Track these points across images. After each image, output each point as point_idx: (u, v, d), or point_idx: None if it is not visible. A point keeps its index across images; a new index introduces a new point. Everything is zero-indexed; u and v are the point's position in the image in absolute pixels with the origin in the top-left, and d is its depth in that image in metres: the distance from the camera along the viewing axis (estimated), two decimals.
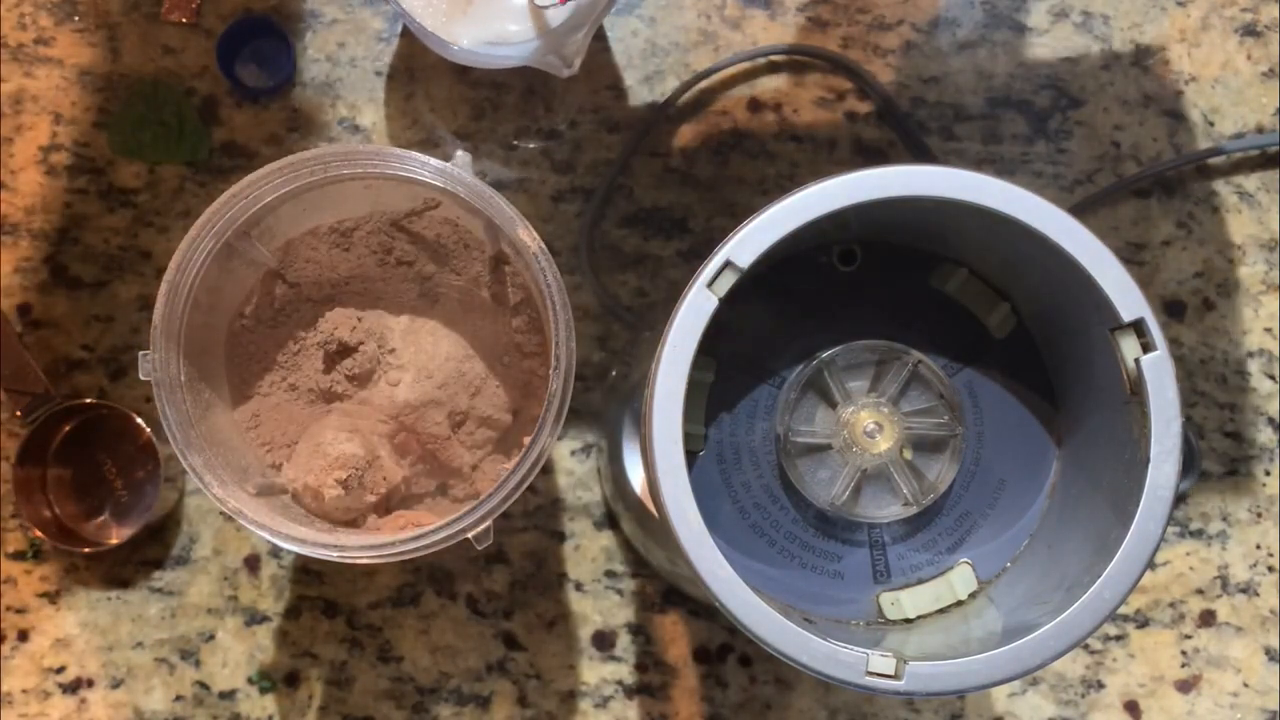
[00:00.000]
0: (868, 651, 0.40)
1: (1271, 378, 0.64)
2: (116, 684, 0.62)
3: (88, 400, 0.62)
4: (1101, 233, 0.41)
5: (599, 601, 0.63)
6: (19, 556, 0.63)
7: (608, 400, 0.62)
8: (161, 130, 0.63)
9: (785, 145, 0.64)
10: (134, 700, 0.62)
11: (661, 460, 0.41)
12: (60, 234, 0.63)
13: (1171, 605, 0.63)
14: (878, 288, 0.47)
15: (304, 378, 0.54)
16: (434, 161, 0.49)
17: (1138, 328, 0.41)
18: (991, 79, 0.64)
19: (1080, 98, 0.65)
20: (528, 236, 0.49)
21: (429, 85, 0.64)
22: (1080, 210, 0.63)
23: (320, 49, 0.64)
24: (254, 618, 0.63)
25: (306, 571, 0.63)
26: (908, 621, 0.46)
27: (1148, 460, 0.40)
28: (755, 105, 0.64)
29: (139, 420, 0.61)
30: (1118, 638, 0.63)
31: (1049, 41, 0.65)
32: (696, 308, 0.41)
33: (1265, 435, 0.64)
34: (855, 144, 0.64)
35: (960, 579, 0.46)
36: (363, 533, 0.52)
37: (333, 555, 0.47)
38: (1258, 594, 0.63)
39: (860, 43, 0.65)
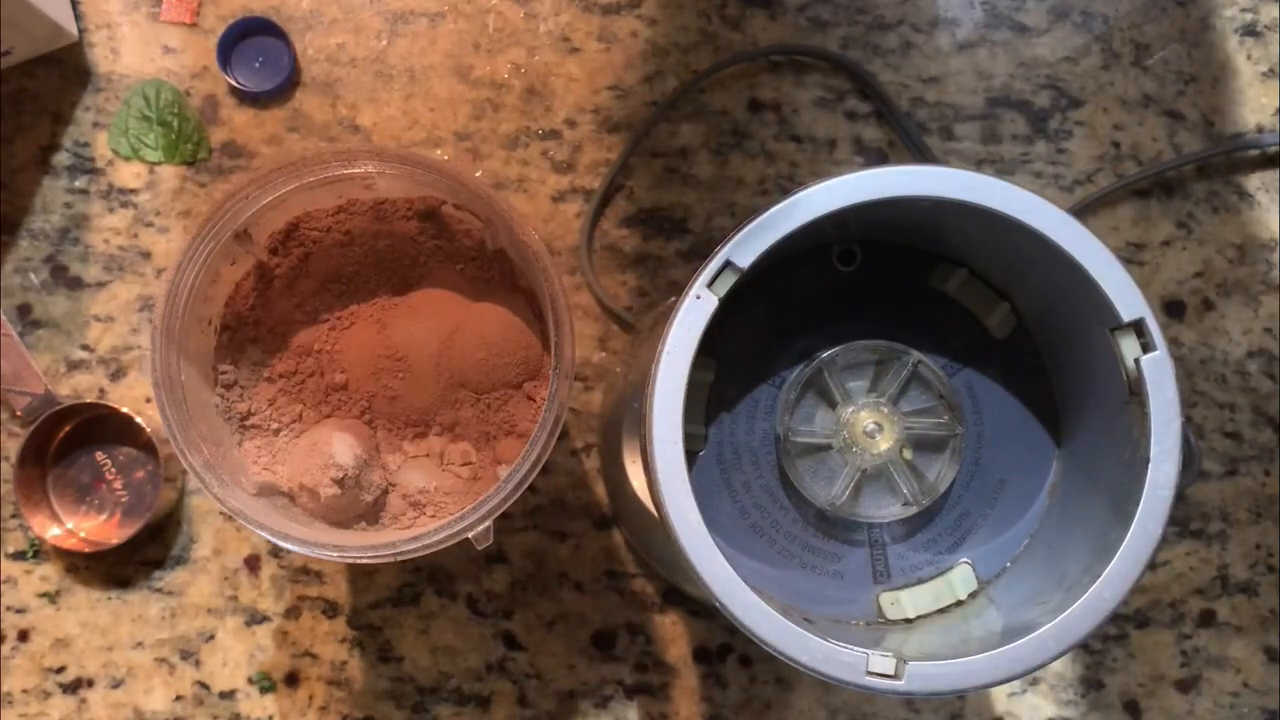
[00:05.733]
0: (868, 651, 0.40)
1: (1271, 378, 0.64)
2: (116, 684, 0.62)
3: (88, 400, 0.62)
4: (1101, 233, 0.41)
5: (599, 601, 0.63)
6: (19, 556, 0.63)
7: (608, 400, 0.62)
8: (161, 130, 0.63)
9: (785, 145, 0.64)
10: (134, 700, 0.62)
11: (661, 460, 0.41)
12: (60, 234, 0.63)
13: (1171, 605, 0.63)
14: (878, 288, 0.47)
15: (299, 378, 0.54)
16: (433, 161, 0.49)
17: (1138, 328, 0.41)
18: (991, 79, 0.65)
19: (1080, 98, 0.65)
20: (528, 236, 0.49)
21: (429, 85, 0.64)
22: (1080, 210, 0.63)
23: (320, 49, 0.64)
24: (254, 618, 0.63)
25: (306, 571, 0.63)
26: (908, 621, 0.46)
27: (1148, 460, 0.40)
28: (755, 105, 0.64)
29: (139, 420, 0.61)
30: (1118, 638, 0.63)
31: (1049, 41, 0.65)
32: (696, 308, 0.41)
33: (1265, 435, 0.64)
34: (855, 144, 0.64)
35: (960, 579, 0.46)
36: (363, 533, 0.52)
37: (333, 555, 0.47)
38: (1258, 594, 0.63)
39: (860, 43, 0.65)
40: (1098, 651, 0.63)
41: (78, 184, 0.64)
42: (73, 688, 0.62)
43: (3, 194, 0.64)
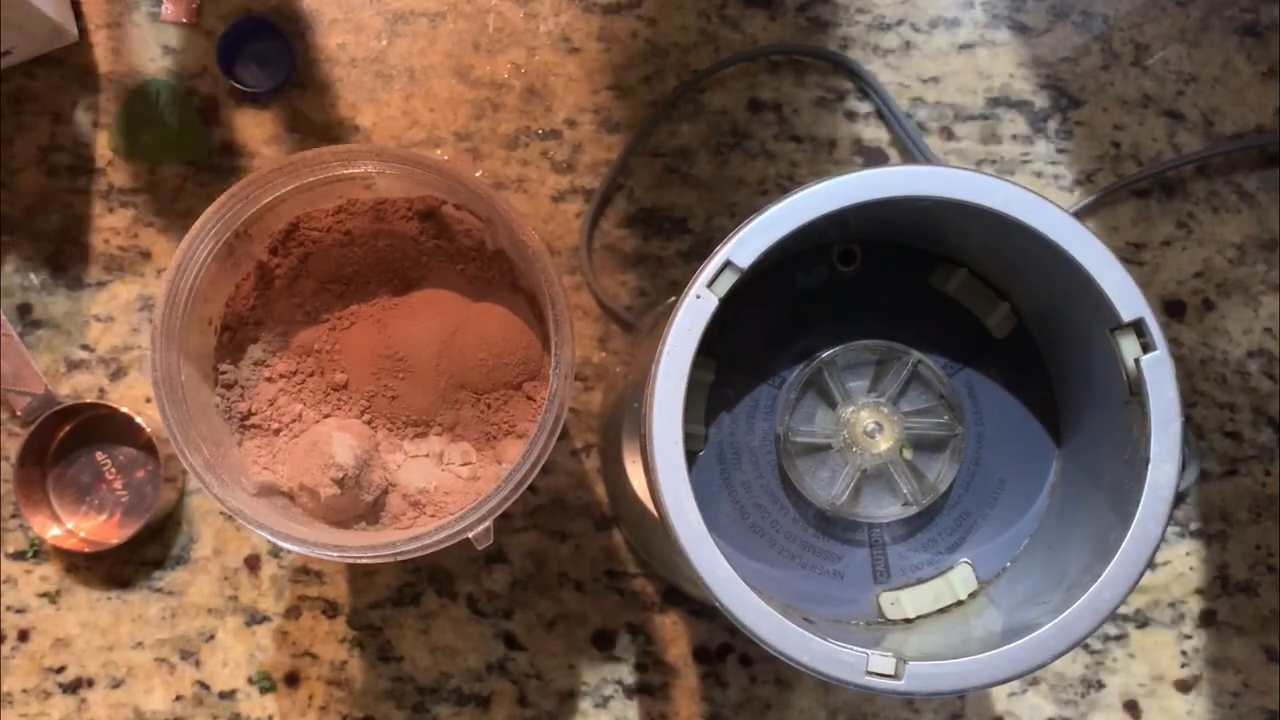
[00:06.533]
0: (868, 651, 0.40)
1: (1271, 378, 0.64)
2: (116, 684, 0.62)
3: (88, 400, 0.62)
4: (1101, 233, 0.41)
5: (599, 601, 0.63)
6: (19, 556, 0.63)
7: (607, 400, 0.62)
8: (161, 130, 0.63)
9: (785, 145, 0.64)
10: (134, 700, 0.62)
11: (661, 460, 0.41)
12: (60, 234, 0.63)
13: (1171, 605, 0.63)
14: (878, 288, 0.47)
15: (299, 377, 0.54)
16: (433, 161, 0.49)
17: (1138, 328, 0.41)
18: (991, 79, 0.65)
19: (1080, 98, 0.65)
20: (528, 236, 0.49)
21: (429, 85, 0.64)
22: (1080, 210, 0.63)
23: (320, 49, 0.64)
24: (254, 618, 0.63)
25: (306, 571, 0.63)
26: (908, 621, 0.46)
27: (1148, 460, 0.40)
28: (755, 105, 0.64)
29: (139, 420, 0.61)
30: (1118, 638, 0.63)
31: (1049, 41, 0.65)
32: (696, 308, 0.41)
33: (1265, 435, 0.64)
34: (855, 144, 0.64)
35: (960, 579, 0.46)
36: (363, 533, 0.52)
37: (333, 555, 0.47)
38: (1258, 594, 0.63)
39: (860, 43, 0.65)
40: (1098, 651, 0.63)
41: (78, 184, 0.64)
42: (73, 688, 0.62)
43: (3, 194, 0.64)
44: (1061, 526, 0.45)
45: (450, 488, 0.53)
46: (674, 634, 0.63)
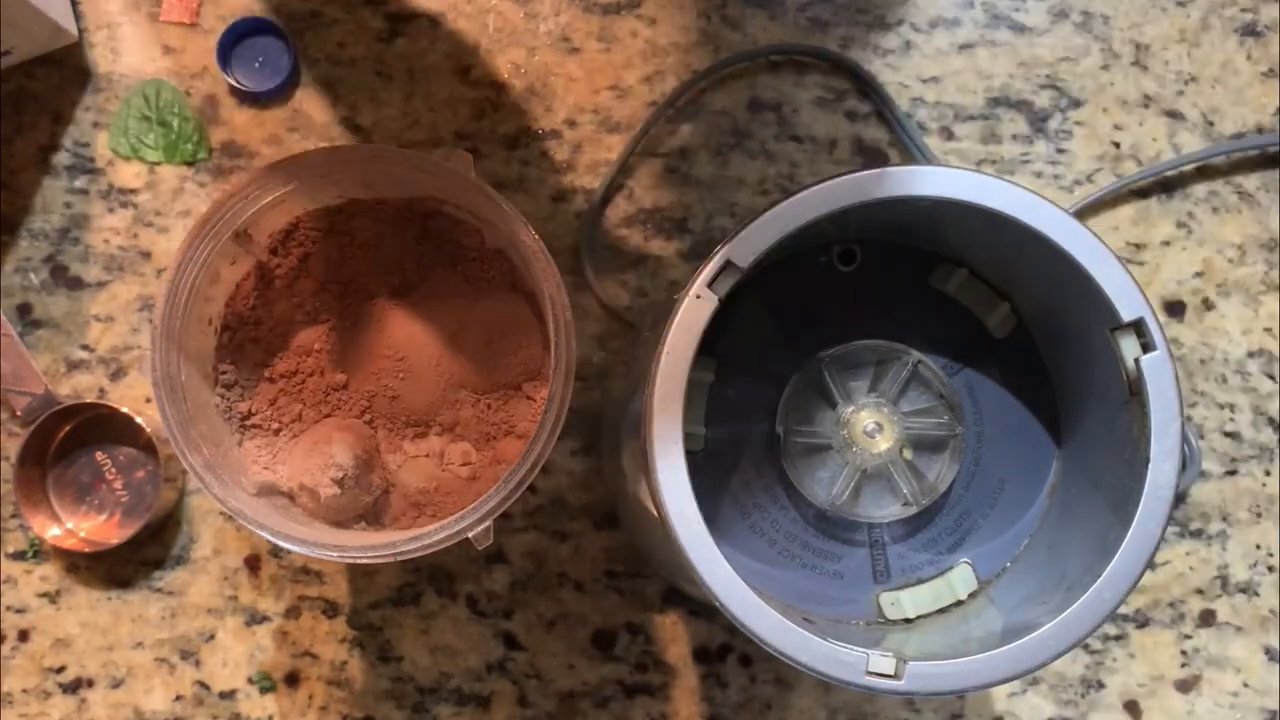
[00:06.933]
0: (868, 651, 0.40)
1: (1271, 378, 0.64)
2: (116, 684, 0.62)
3: (88, 400, 0.62)
4: (1101, 233, 0.41)
5: (599, 601, 0.63)
6: (19, 556, 0.63)
7: (608, 400, 0.62)
8: (161, 130, 0.63)
9: (785, 145, 0.64)
10: (134, 700, 0.62)
11: (661, 460, 0.41)
12: (60, 234, 0.63)
13: (1171, 605, 0.63)
14: (878, 288, 0.47)
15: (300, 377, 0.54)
16: (434, 161, 0.49)
17: (1138, 328, 0.41)
18: (991, 79, 0.65)
19: (1080, 98, 0.65)
20: (528, 236, 0.49)
21: (429, 85, 0.64)
22: (1080, 210, 0.63)
23: (320, 49, 0.64)
24: (254, 618, 0.63)
25: (306, 571, 0.63)
26: (908, 621, 0.46)
27: (1148, 460, 0.40)
28: (755, 105, 0.64)
29: (139, 420, 0.61)
30: (1118, 638, 0.63)
31: (1049, 41, 0.65)
32: (696, 308, 0.41)
33: (1265, 435, 0.64)
34: (855, 144, 0.64)
35: (960, 579, 0.46)
36: (363, 533, 0.53)
37: (333, 555, 0.47)
38: (1258, 594, 0.63)
39: (860, 43, 0.64)
40: (1098, 651, 0.63)
41: (78, 184, 0.64)
42: (73, 688, 0.62)
43: (3, 194, 0.64)
44: (1061, 526, 0.45)
45: (450, 488, 0.53)
46: (674, 634, 0.63)
